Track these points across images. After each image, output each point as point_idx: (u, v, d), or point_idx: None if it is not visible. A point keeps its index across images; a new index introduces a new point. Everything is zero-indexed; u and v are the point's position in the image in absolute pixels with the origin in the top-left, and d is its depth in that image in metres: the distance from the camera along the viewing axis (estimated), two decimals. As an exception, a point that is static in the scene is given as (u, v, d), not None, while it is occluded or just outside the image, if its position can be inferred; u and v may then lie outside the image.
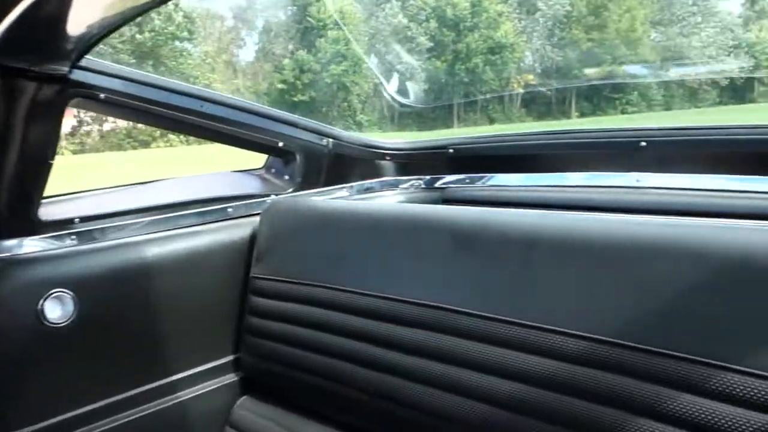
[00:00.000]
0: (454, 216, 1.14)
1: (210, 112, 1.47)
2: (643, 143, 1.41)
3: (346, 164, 1.74)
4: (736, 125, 1.32)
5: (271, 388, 1.43)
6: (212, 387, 1.42)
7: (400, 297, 1.14)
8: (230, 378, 1.46)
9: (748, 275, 0.79)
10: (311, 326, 1.28)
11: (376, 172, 1.80)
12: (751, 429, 0.74)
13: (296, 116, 1.63)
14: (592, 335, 0.89)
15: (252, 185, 1.66)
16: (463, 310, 1.04)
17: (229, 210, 1.51)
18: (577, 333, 0.91)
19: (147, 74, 1.38)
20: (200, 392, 1.39)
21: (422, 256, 1.14)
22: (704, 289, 0.82)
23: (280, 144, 1.60)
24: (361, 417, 1.22)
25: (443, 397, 1.04)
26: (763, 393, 0.74)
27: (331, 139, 1.68)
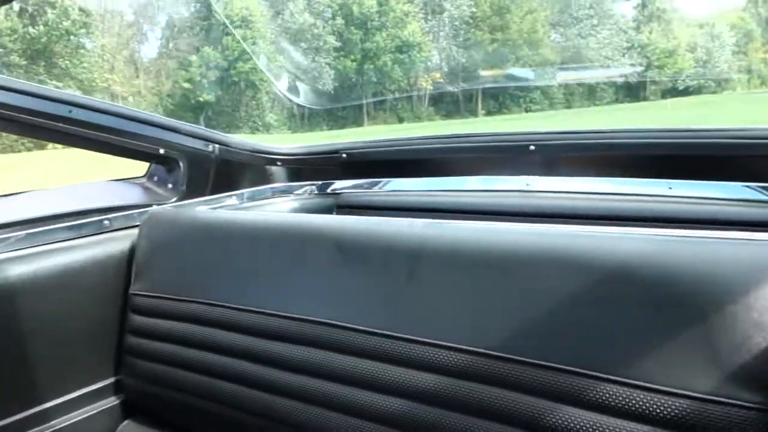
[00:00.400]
0: (340, 227, 1.10)
1: (80, 119, 1.36)
2: (532, 147, 1.42)
3: (234, 171, 1.67)
4: (621, 129, 1.35)
5: (154, 411, 1.35)
6: (92, 412, 1.32)
7: (283, 313, 1.09)
8: (111, 402, 1.36)
9: (626, 285, 0.79)
10: (193, 345, 1.21)
11: (267, 179, 1.73)
12: None
13: (179, 122, 1.54)
14: (474, 348, 0.87)
15: (132, 195, 1.56)
16: (347, 325, 1.00)
17: (106, 222, 1.40)
18: (460, 347, 0.89)
19: (7, 78, 1.27)
20: (79, 418, 1.29)
21: (307, 268, 1.09)
22: (584, 299, 0.81)
23: (161, 151, 1.51)
24: None
25: (326, 415, 1.00)
26: (639, 403, 0.74)
27: (217, 145, 1.60)
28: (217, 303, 1.18)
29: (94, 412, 1.32)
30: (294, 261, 1.11)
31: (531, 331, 0.84)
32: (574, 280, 0.82)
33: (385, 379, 0.94)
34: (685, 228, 1.14)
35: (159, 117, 1.51)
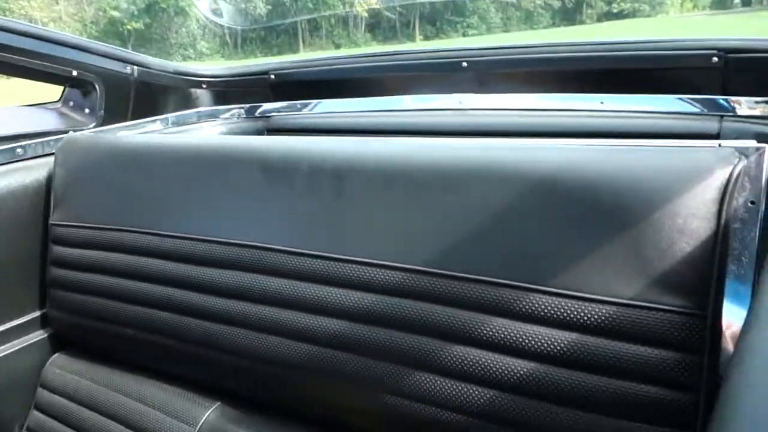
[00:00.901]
0: (265, 147, 1.06)
1: None
2: (465, 63, 1.39)
3: (157, 94, 1.59)
4: (554, 43, 1.33)
5: (84, 343, 1.32)
6: (19, 347, 1.28)
7: (212, 238, 1.06)
8: (38, 335, 1.32)
9: (553, 196, 0.79)
10: (120, 274, 1.17)
11: (192, 103, 1.66)
12: (557, 347, 0.76)
13: (92, 41, 1.44)
14: (406, 265, 0.87)
15: (47, 121, 1.47)
16: (277, 247, 0.99)
17: (19, 150, 1.32)
18: (392, 264, 0.88)
19: None
20: (5, 353, 1.26)
21: (233, 191, 1.06)
22: (511, 212, 0.81)
23: (74, 73, 1.42)
24: (181, 365, 1.15)
25: (263, 339, 0.99)
26: (568, 311, 0.75)
27: (136, 67, 1.52)
28: (142, 230, 1.14)
29: (22, 346, 1.29)
30: (220, 184, 1.08)
31: (461, 245, 0.84)
32: (500, 192, 0.82)
33: (320, 300, 0.94)
34: (618, 140, 1.15)
35: (72, 37, 1.41)
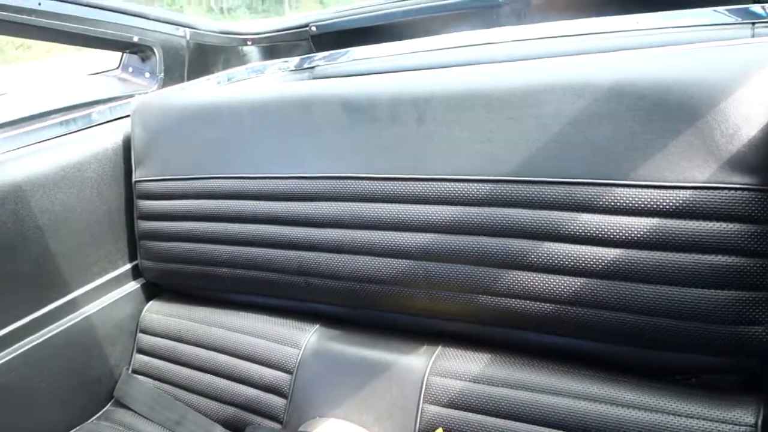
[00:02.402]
0: (341, 86, 1.15)
1: (50, 10, 1.33)
2: None
3: (207, 54, 1.67)
4: None
5: (177, 288, 1.43)
6: (117, 297, 1.40)
7: (300, 174, 1.15)
8: (133, 285, 1.44)
9: (625, 99, 0.88)
10: (209, 219, 1.27)
11: (241, 60, 1.74)
12: (639, 233, 0.86)
13: (146, 7, 1.52)
14: (492, 177, 0.97)
15: (112, 88, 1.55)
16: (366, 175, 1.08)
17: (94, 116, 1.41)
18: (476, 178, 0.98)
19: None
20: (106, 303, 1.37)
21: (317, 130, 1.14)
22: (587, 118, 0.91)
23: (135, 39, 1.50)
24: (279, 296, 1.26)
25: (358, 261, 1.10)
26: (648, 200, 0.86)
27: (188, 29, 1.60)
28: (227, 176, 1.24)
29: (120, 296, 1.40)
30: (302, 125, 1.16)
31: (540, 154, 0.94)
32: (573, 102, 0.92)
33: (411, 218, 1.04)
34: None
35: (128, 4, 1.48)
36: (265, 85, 1.35)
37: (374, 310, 1.15)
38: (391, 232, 1.06)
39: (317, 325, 1.22)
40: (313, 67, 1.69)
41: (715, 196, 0.83)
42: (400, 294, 1.08)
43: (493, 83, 1.00)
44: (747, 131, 0.81)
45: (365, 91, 1.11)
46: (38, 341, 1.22)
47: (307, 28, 1.69)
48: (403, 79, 1.10)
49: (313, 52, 1.70)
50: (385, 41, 1.62)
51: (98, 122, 1.42)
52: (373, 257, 1.08)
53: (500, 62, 1.23)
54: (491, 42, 1.44)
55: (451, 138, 1.02)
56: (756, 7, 1.17)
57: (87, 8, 1.40)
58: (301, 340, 1.21)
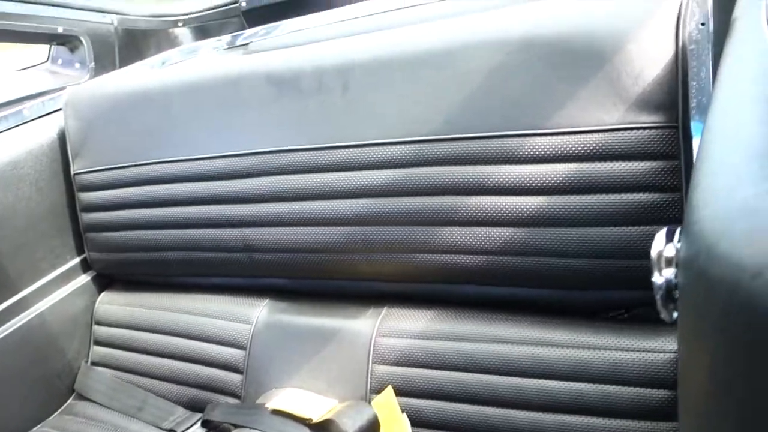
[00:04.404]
0: (265, 61, 1.15)
1: None
2: None
3: (138, 39, 1.65)
4: None
5: (127, 277, 1.43)
6: (69, 291, 1.40)
7: (232, 152, 1.16)
8: (84, 278, 1.44)
9: (534, 50, 0.90)
10: (150, 205, 1.27)
11: (173, 42, 1.72)
12: (560, 179, 0.89)
13: (69, -4, 1.49)
14: (417, 138, 0.99)
15: (42, 82, 1.52)
16: (296, 147, 1.09)
17: (26, 112, 1.39)
18: (402, 140, 1.00)
19: None
20: (58, 299, 1.37)
21: (245, 106, 1.15)
22: (501, 71, 0.93)
23: (60, 30, 1.47)
24: (226, 275, 1.27)
25: (298, 232, 1.12)
26: (566, 146, 0.88)
27: (115, 16, 1.57)
28: (162, 160, 1.24)
29: (71, 291, 1.40)
30: (230, 102, 1.17)
31: (460, 111, 0.96)
32: (486, 57, 0.93)
33: (344, 185, 1.06)
34: None
35: (47, -6, 1.45)
36: (193, 65, 1.33)
37: (319, 279, 1.17)
38: (326, 201, 1.08)
39: (267, 300, 1.24)
40: (246, 44, 1.67)
41: (626, 136, 0.85)
42: (342, 261, 1.10)
43: (410, 45, 1.01)
44: (651, 72, 0.84)
45: (290, 64, 1.11)
46: None
47: (237, 4, 1.67)
48: (326, 49, 1.11)
49: (245, 29, 1.68)
50: (317, 11, 1.61)
51: (30, 118, 1.40)
52: (312, 227, 1.10)
53: (417, 24, 1.23)
54: (410, 6, 1.44)
55: (376, 103, 1.03)
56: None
57: (6, 2, 1.37)
58: (251, 315, 1.22)
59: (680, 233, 0.45)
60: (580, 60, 0.87)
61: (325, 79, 1.07)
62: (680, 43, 0.83)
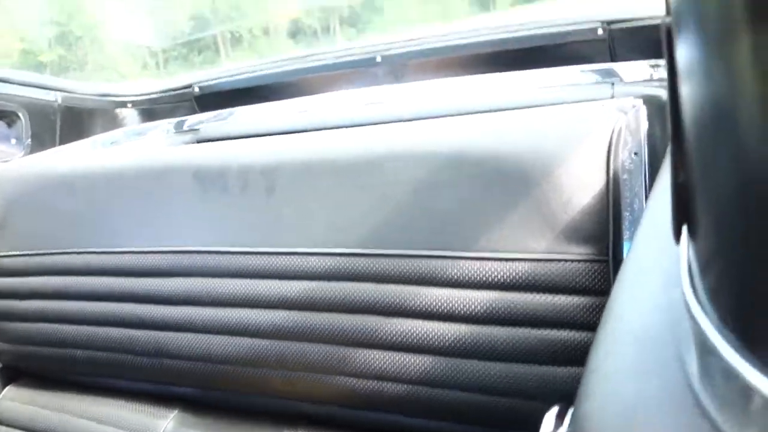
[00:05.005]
0: (195, 155, 1.11)
1: None
2: (379, 58, 1.46)
3: (83, 118, 1.60)
4: (456, 30, 1.41)
5: (35, 372, 1.33)
6: None
7: (150, 249, 1.09)
8: None
9: (463, 167, 0.86)
10: (63, 297, 1.19)
11: (120, 123, 1.68)
12: (483, 307, 0.83)
13: (11, 71, 1.45)
14: (338, 250, 0.93)
15: (-27, 155, 1.47)
16: (216, 249, 1.03)
17: None
18: (325, 251, 0.94)
19: None
20: None
21: (167, 202, 1.09)
22: (429, 187, 0.88)
23: None
24: (134, 379, 1.18)
25: (211, 340, 1.03)
26: (488, 273, 0.83)
27: (59, 93, 1.53)
28: (80, 251, 1.17)
29: None
30: (153, 196, 1.11)
31: (386, 224, 0.91)
32: (414, 170, 0.89)
33: (261, 294, 0.99)
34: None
35: (-14, 69, 1.42)
36: (122, 152, 1.29)
37: (232, 392, 1.08)
38: (242, 309, 1.00)
39: (176, 411, 1.14)
40: (195, 130, 1.64)
41: (553, 268, 0.80)
42: (255, 375, 1.01)
43: (338, 151, 0.97)
44: (581, 200, 0.80)
45: (216, 160, 1.07)
46: None
47: (191, 89, 1.65)
48: (253, 147, 1.07)
49: (196, 113, 1.65)
50: (270, 101, 1.59)
51: (-47, 194, 1.33)
52: (225, 336, 1.02)
53: (348, 127, 1.20)
54: (366, 103, 1.43)
55: (301, 209, 0.98)
56: (615, 66, 1.18)
57: None
58: (157, 428, 1.12)
59: (571, 416, 0.41)
60: (509, 182, 0.83)
61: (251, 180, 1.02)
62: (611, 172, 0.80)
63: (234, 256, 1.02)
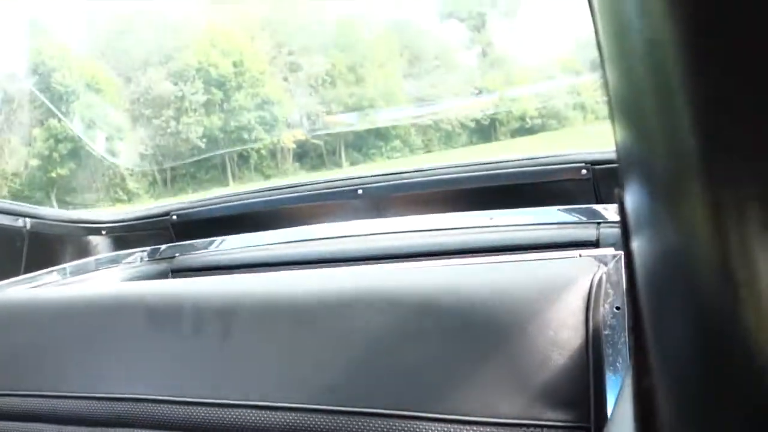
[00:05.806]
0: (148, 291, 1.04)
1: None
2: (360, 191, 1.43)
3: (53, 245, 1.55)
4: (444, 165, 1.39)
5: None
6: None
7: (96, 394, 0.99)
8: None
9: (432, 318, 0.79)
10: None
11: (92, 250, 1.62)
12: None
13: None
14: (294, 405, 0.84)
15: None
16: (163, 398, 0.93)
17: None
18: (279, 405, 0.85)
19: None
20: None
21: (119, 341, 1.01)
22: (394, 338, 0.80)
23: None
24: None
25: None
26: None
27: (28, 219, 1.49)
28: (20, 393, 1.07)
29: None
30: (104, 335, 1.03)
31: (348, 378, 0.82)
32: (380, 319, 0.82)
33: None
34: (506, 254, 1.17)
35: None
36: (72, 287, 1.23)
37: None
38: None
39: None
40: (171, 258, 1.58)
41: None
42: None
43: (300, 294, 0.90)
44: (558, 359, 0.71)
45: (171, 299, 0.99)
46: None
47: (168, 217, 1.61)
48: (210, 286, 1.00)
49: (173, 242, 1.60)
50: (248, 231, 1.54)
51: None
52: None
53: (339, 262, 1.14)
54: (344, 236, 1.38)
55: (257, 356, 0.89)
56: (600, 207, 1.14)
57: None
58: None
59: None
60: (480, 336, 0.75)
61: (206, 321, 0.94)
62: (591, 328, 0.72)
63: (182, 406, 0.92)
